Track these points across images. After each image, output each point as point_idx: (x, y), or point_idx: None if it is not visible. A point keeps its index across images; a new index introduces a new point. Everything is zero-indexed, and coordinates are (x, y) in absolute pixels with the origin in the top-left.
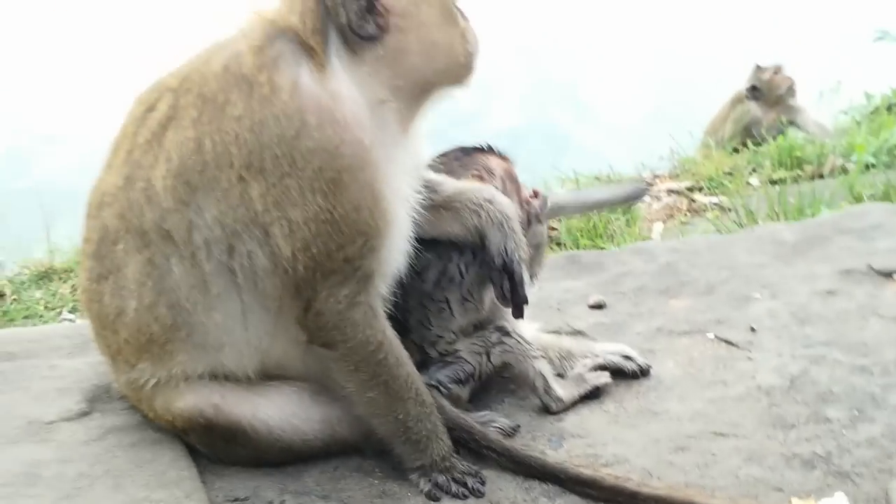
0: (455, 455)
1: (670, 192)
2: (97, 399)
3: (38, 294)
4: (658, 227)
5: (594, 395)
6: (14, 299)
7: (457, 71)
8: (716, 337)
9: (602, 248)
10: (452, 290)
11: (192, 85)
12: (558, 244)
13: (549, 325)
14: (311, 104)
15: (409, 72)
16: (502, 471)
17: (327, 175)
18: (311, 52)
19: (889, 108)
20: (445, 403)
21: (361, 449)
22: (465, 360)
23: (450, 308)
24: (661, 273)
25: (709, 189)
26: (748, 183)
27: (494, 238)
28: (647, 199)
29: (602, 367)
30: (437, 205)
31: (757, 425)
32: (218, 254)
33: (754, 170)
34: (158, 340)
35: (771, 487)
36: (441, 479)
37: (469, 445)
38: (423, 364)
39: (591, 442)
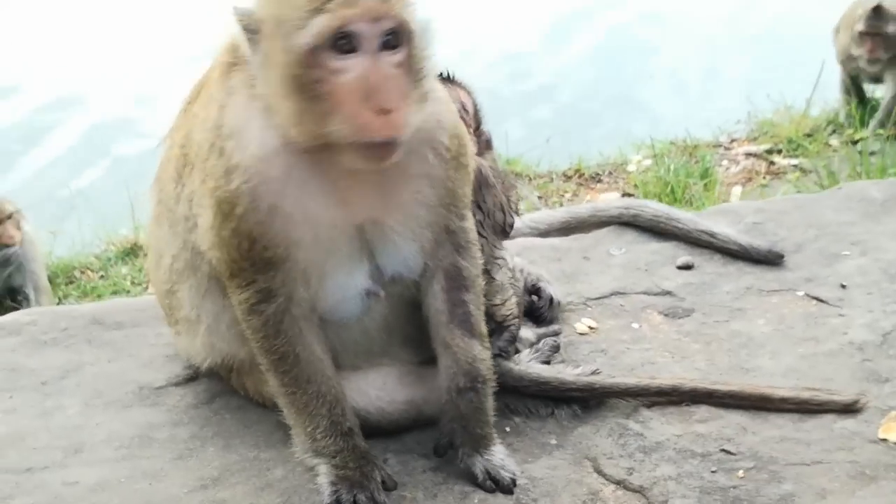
0: (373, 478)
1: (748, 154)
2: None
3: (123, 270)
4: (737, 190)
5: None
6: (101, 275)
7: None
8: (806, 294)
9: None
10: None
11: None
12: None
13: (638, 286)
14: (230, 122)
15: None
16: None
17: (220, 195)
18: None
19: None
20: (512, 366)
21: None
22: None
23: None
24: (748, 233)
25: (788, 151)
26: (827, 144)
27: (443, 426)
28: (724, 162)
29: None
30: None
31: (850, 380)
32: (189, 231)
33: (834, 130)
34: (164, 306)
35: (866, 440)
36: (345, 497)
37: (549, 395)
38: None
39: None
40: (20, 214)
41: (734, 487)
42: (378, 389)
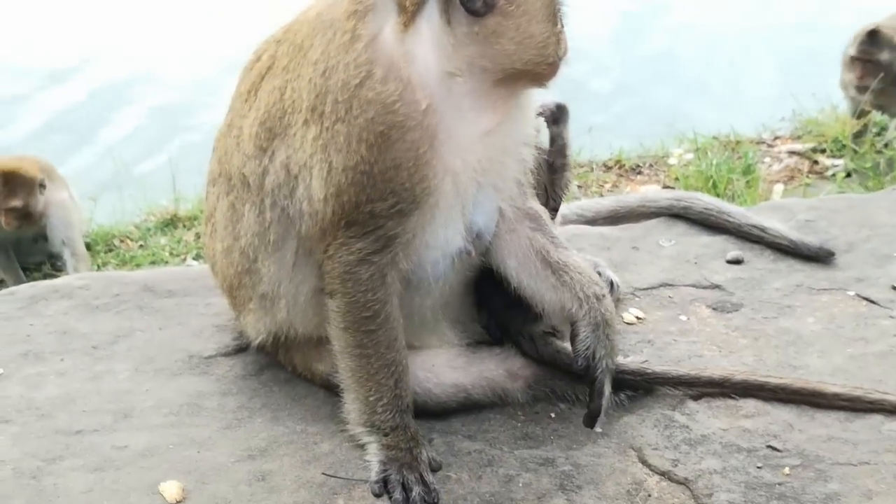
0: (421, 459)
1: (791, 153)
2: None
3: (163, 241)
4: (779, 188)
5: None
6: (140, 245)
7: (543, 69)
8: (856, 294)
9: None
10: None
11: (290, 34)
12: None
13: (687, 279)
14: (382, 57)
15: (498, 56)
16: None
17: (377, 128)
18: (404, 10)
19: None
20: (565, 345)
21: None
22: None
23: None
24: (800, 230)
25: (832, 151)
26: (873, 145)
27: (586, 337)
28: (766, 159)
29: None
30: (543, 260)
31: None
32: (281, 200)
33: (880, 132)
34: (235, 287)
35: None
36: (394, 476)
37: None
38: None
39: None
40: (52, 182)
41: (780, 484)
42: (427, 371)
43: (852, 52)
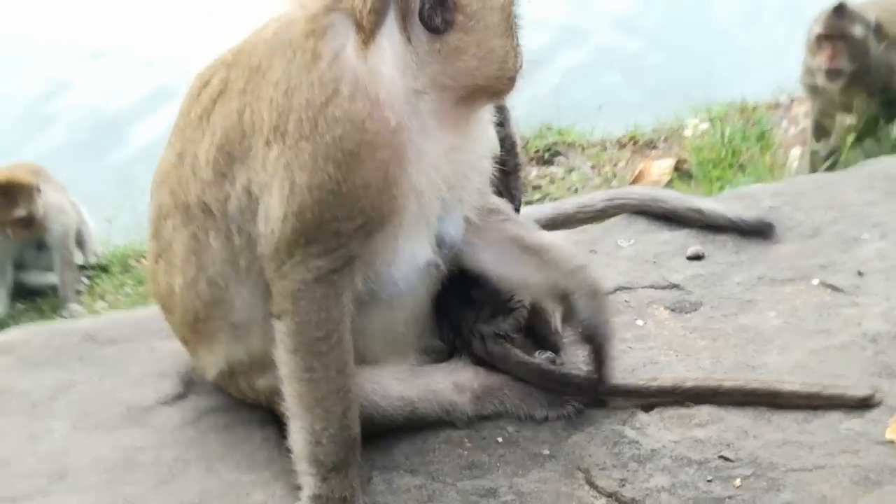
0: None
1: (808, 115)
2: (193, 381)
3: None
4: (796, 152)
5: None
6: None
7: (503, 83)
8: (821, 283)
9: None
10: None
11: (243, 56)
12: (689, 176)
13: (644, 280)
14: (348, 75)
15: (460, 72)
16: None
17: (346, 146)
18: (362, 29)
19: None
20: (516, 351)
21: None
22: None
23: None
24: (764, 217)
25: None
26: None
27: (585, 306)
28: (783, 123)
29: None
30: (520, 245)
31: (861, 375)
32: (245, 224)
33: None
34: (202, 319)
35: (873, 442)
36: None
37: (550, 387)
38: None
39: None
40: (46, 184)
41: (730, 498)
42: (374, 383)
43: (819, 29)
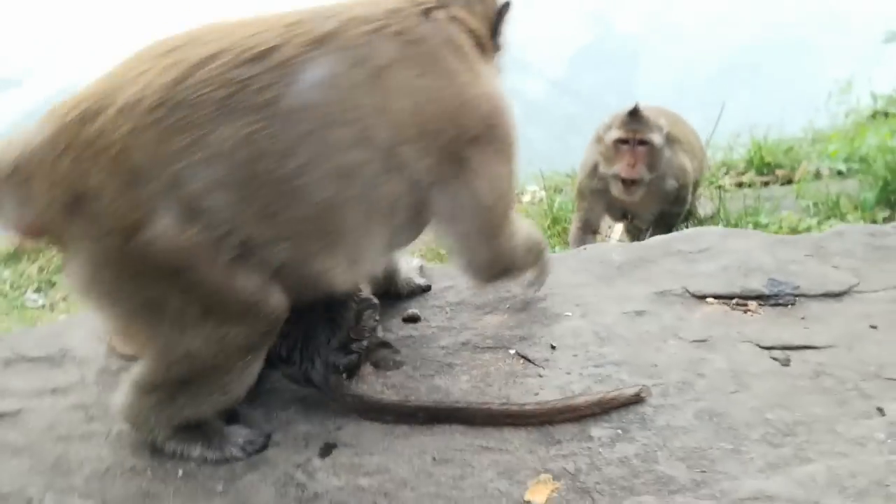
0: None
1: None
2: None
3: (5, 273)
4: (619, 228)
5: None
6: None
7: None
8: (517, 353)
9: None
10: None
11: None
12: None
13: None
14: None
15: None
16: None
17: None
18: None
19: (874, 115)
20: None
21: None
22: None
23: None
24: (475, 295)
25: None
26: (718, 186)
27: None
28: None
29: None
30: None
31: (523, 441)
32: None
33: (727, 171)
34: None
35: (513, 502)
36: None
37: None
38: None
39: (358, 451)
40: None
41: None
42: None
43: (617, 134)
